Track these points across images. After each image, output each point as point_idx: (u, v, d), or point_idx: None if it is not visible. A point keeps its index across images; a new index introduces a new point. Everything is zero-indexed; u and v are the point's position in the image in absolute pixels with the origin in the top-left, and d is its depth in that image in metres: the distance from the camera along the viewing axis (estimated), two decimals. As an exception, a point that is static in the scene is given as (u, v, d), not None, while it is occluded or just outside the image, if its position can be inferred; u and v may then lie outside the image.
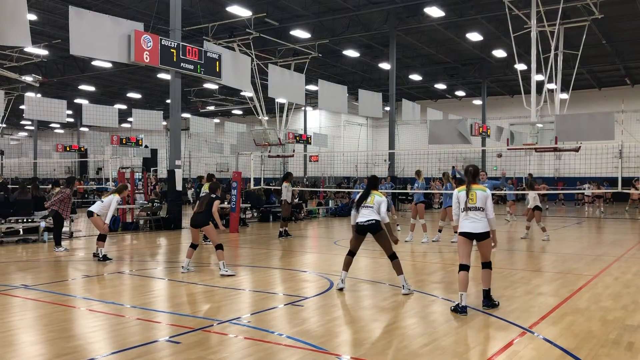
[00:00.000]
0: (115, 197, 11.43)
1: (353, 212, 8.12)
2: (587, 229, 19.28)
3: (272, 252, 12.89)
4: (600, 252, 12.59)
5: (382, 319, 6.64)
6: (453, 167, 36.48)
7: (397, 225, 17.39)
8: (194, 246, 9.80)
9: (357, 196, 8.20)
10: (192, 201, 23.35)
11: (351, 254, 8.13)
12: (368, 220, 7.83)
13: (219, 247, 9.50)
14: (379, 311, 6.99)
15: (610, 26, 26.24)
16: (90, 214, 11.38)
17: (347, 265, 8.13)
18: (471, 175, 7.12)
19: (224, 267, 9.40)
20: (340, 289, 8.02)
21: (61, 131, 59.07)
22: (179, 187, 17.96)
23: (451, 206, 13.77)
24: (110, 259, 11.16)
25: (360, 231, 7.93)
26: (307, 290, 8.35)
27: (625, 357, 5.18)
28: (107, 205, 11.36)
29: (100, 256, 11.13)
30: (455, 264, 10.82)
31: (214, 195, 9.82)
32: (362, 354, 5.24)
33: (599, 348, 5.42)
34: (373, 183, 8.27)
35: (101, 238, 11.28)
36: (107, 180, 27.42)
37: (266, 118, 26.29)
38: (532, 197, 14.92)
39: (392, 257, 7.95)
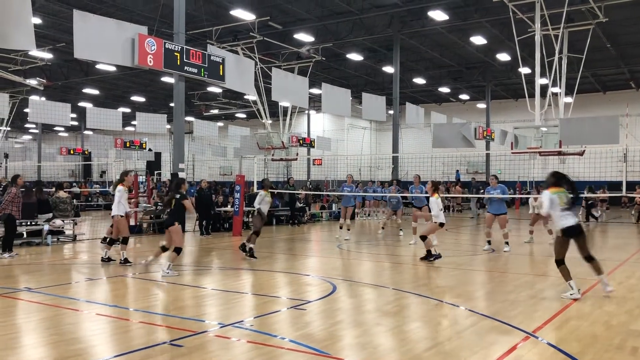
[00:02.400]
0: (119, 188, 11.11)
1: (560, 213, 7.92)
2: (591, 233, 19.20)
3: (275, 255, 12.87)
4: (603, 256, 12.51)
5: (385, 322, 6.61)
6: (457, 170, 36.41)
7: (400, 230, 17.36)
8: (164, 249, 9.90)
9: (557, 199, 7.95)
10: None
11: (562, 261, 7.93)
12: (577, 222, 7.90)
13: (176, 250, 9.67)
14: (382, 315, 6.97)
15: (615, 30, 26.17)
16: (114, 217, 11.11)
17: (569, 273, 7.91)
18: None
19: (168, 269, 9.56)
20: (576, 299, 7.74)
21: (65, 134, 59.20)
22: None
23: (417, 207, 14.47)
24: (130, 263, 10.85)
25: (570, 234, 7.84)
26: (310, 294, 8.34)
27: (630, 362, 5.15)
28: (117, 200, 11.06)
29: (122, 259, 10.82)
30: (457, 268, 10.79)
31: (179, 195, 9.91)
32: (365, 357, 5.22)
33: (603, 353, 5.39)
34: (561, 179, 8.14)
35: (124, 241, 11.00)
36: (110, 183, 27.46)
37: (270, 121, 26.31)
38: (538, 205, 14.85)
39: (589, 258, 7.88)
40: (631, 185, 18.04)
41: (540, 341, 5.76)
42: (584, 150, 19.54)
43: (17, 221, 13.24)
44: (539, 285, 8.88)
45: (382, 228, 17.75)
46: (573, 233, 7.81)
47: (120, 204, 11.08)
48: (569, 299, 7.76)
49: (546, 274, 10.09)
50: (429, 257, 11.34)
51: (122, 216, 11.07)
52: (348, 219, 16.37)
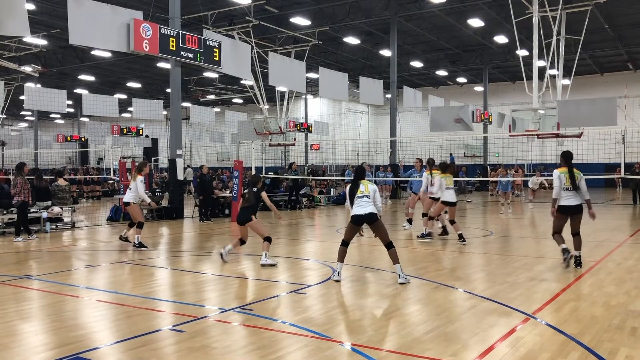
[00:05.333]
0: (138, 178, 11.39)
1: (347, 204, 8.08)
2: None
3: (275, 240, 12.86)
4: (602, 238, 12.58)
5: (385, 305, 6.64)
6: (451, 154, 36.50)
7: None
8: (242, 242, 9.62)
9: (348, 188, 8.13)
10: (193, 191, 23.35)
11: (345, 244, 8.02)
12: (367, 212, 7.76)
13: (267, 239, 9.36)
14: (382, 298, 6.99)
15: (613, 11, 26.03)
16: (127, 204, 11.46)
17: (342, 257, 7.99)
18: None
19: (265, 257, 9.23)
20: (337, 281, 7.84)
21: (61, 121, 59.00)
22: (180, 176, 17.94)
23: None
24: (146, 247, 11.19)
25: (358, 222, 7.87)
26: (310, 278, 8.35)
27: (629, 342, 5.18)
28: (134, 189, 11.34)
29: (136, 243, 11.16)
30: (456, 251, 10.82)
31: (256, 189, 9.71)
32: (366, 340, 5.24)
33: (603, 333, 5.42)
34: (360, 173, 8.21)
35: (139, 226, 11.34)
36: (108, 170, 27.41)
37: (267, 106, 26.20)
38: (535, 182, 15.19)
39: (389, 246, 7.82)
40: (629, 167, 18.07)
41: (540, 322, 5.79)
42: (582, 133, 19.52)
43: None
44: (538, 267, 8.92)
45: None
46: (359, 221, 7.86)
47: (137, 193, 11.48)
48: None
49: (544, 256, 10.13)
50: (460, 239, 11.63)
51: (135, 203, 11.50)
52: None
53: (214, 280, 8.30)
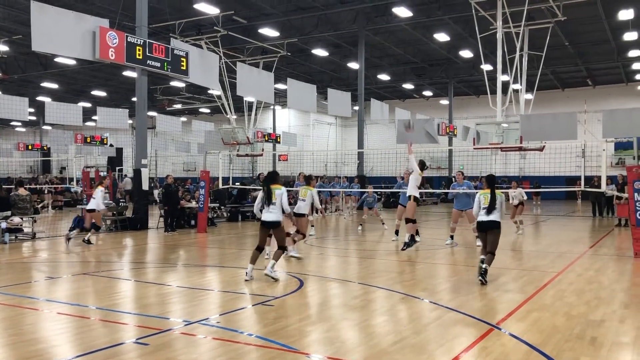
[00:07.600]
0: (99, 188, 13.54)
1: (256, 209, 8.91)
2: (551, 227, 19.69)
3: (242, 252, 12.79)
4: (563, 249, 12.88)
5: (352, 317, 6.65)
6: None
7: (360, 225, 17.39)
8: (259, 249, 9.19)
9: (259, 195, 8.83)
10: (158, 201, 22.99)
11: (259, 249, 8.91)
12: (273, 220, 8.66)
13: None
14: (349, 310, 7.00)
15: (573, 28, 26.85)
16: (92, 211, 13.40)
17: (254, 259, 8.79)
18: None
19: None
20: (247, 281, 8.59)
21: (23, 129, 57.50)
22: (145, 186, 17.69)
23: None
24: (92, 243, 13.30)
25: (266, 226, 8.75)
26: (277, 289, 8.31)
27: (589, 351, 5.30)
28: (97, 197, 13.37)
29: (86, 239, 13.26)
30: (422, 262, 10.93)
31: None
32: (333, 352, 5.23)
33: (564, 343, 5.54)
34: (270, 178, 8.90)
35: (95, 228, 13.56)
36: (71, 180, 26.84)
37: (234, 117, 26.10)
38: (516, 195, 15.88)
39: (282, 248, 8.80)
40: (588, 180, 18.58)
41: (504, 333, 5.88)
42: (544, 146, 19.99)
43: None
44: (502, 279, 9.06)
45: (361, 225, 17.47)
46: (267, 226, 8.78)
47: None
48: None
49: (508, 267, 10.31)
50: (413, 241, 11.72)
51: (99, 211, 13.72)
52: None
53: (179, 292, 8.18)
